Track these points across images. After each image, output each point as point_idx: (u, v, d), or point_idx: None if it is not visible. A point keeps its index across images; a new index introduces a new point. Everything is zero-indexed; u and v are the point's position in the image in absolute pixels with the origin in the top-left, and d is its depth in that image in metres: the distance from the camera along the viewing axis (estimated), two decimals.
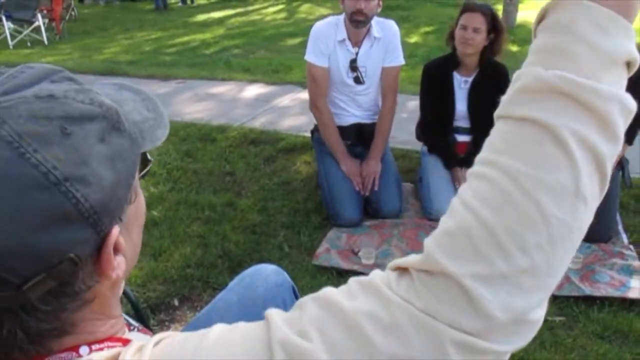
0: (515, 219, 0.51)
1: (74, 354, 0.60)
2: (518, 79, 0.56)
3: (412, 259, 0.55)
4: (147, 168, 0.75)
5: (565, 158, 0.51)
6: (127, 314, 0.98)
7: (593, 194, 0.53)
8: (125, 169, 0.59)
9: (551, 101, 0.52)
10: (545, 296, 0.53)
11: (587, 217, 0.53)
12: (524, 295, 0.51)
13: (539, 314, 0.53)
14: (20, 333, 0.56)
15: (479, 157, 0.56)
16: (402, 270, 0.55)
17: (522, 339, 0.53)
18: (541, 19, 0.57)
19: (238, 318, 1.23)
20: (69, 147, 0.54)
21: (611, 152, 0.53)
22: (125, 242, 0.61)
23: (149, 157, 0.75)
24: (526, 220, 0.51)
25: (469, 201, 0.53)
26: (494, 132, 0.56)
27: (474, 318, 0.50)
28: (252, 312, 1.25)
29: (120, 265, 0.60)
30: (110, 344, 0.63)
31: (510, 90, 0.56)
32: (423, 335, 0.50)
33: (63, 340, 0.60)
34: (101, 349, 0.61)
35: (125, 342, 0.63)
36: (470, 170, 0.56)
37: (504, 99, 0.57)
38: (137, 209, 0.65)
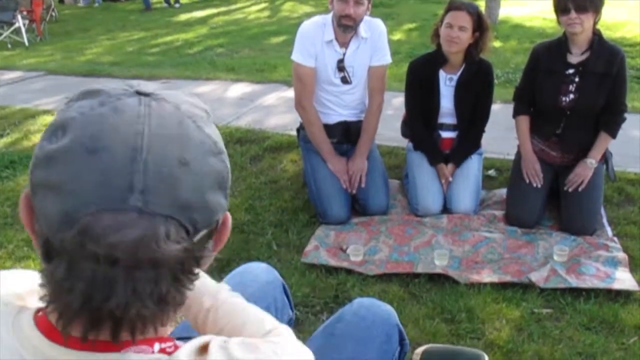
0: None
1: (149, 348, 0.60)
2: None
3: None
4: None
5: None
6: None
7: None
8: None
9: None
10: None
11: None
12: None
13: None
14: (153, 299, 0.57)
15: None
16: None
17: None
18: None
19: None
20: (214, 129, 0.67)
21: None
22: None
23: None
24: None
25: None
26: None
27: None
28: None
29: None
30: (169, 344, 0.63)
31: None
32: None
33: (153, 328, 0.60)
34: (166, 351, 0.61)
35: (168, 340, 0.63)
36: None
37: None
38: None
